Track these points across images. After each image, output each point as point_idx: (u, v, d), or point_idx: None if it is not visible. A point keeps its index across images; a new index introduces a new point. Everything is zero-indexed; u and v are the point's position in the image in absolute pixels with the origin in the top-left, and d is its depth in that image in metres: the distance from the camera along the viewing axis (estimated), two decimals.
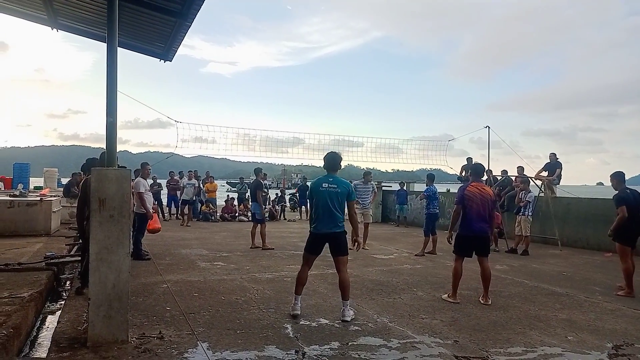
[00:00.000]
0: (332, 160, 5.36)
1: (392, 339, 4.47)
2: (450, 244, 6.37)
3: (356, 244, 5.37)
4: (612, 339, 4.63)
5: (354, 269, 7.96)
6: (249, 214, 17.80)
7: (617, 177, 6.96)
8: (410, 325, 4.92)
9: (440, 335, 4.61)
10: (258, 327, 4.73)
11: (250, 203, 18.89)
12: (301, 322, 4.92)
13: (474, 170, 6.42)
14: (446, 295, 6.19)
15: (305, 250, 5.36)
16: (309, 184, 11.16)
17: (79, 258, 7.03)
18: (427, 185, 10.55)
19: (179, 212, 17.00)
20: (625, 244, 6.68)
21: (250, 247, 10.13)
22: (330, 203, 5.13)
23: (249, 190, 19.78)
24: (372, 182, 11.44)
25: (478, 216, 5.97)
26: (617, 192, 6.86)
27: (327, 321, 4.99)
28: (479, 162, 6.73)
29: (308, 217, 5.73)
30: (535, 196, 11.25)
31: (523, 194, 10.80)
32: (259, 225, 10.29)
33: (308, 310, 5.39)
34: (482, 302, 5.95)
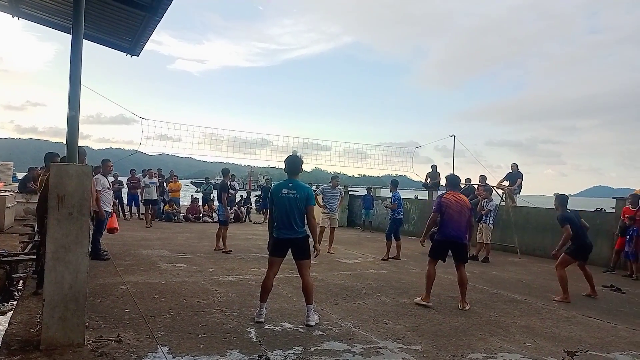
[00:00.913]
0: (293, 164, 5.29)
1: (355, 344, 4.46)
2: (423, 246, 6.56)
3: (315, 251, 5.26)
4: (568, 346, 4.77)
5: (319, 273, 7.95)
6: (214, 215, 17.58)
7: (560, 200, 7.42)
8: (374, 330, 4.93)
9: (404, 341, 4.64)
10: (220, 331, 4.64)
11: (215, 204, 18.66)
12: (265, 327, 4.86)
13: (449, 181, 6.65)
14: (419, 298, 6.25)
15: (270, 254, 5.28)
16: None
17: (34, 256, 6.75)
18: (391, 192, 10.65)
19: (140, 212, 16.60)
20: (574, 258, 7.12)
21: (214, 249, 9.96)
22: (289, 209, 5.07)
23: (214, 190, 19.50)
24: (339, 187, 11.47)
25: (455, 223, 6.17)
26: (561, 212, 7.28)
27: (291, 325, 4.94)
28: (454, 173, 6.93)
29: (267, 221, 5.64)
30: (496, 205, 11.56)
31: (485, 202, 11.05)
32: (222, 227, 10.13)
33: (272, 314, 5.33)
34: (460, 307, 6.04)
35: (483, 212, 10.94)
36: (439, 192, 11.76)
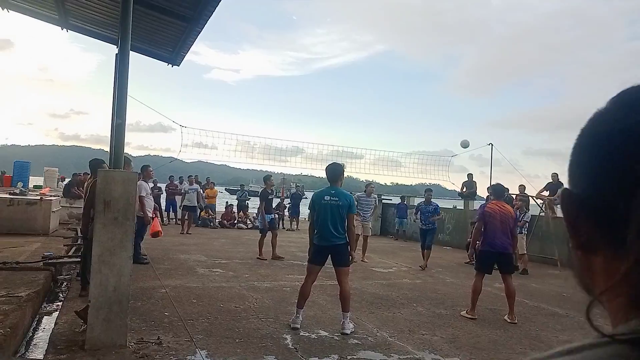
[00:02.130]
0: (334, 171, 5.35)
1: (392, 354, 4.43)
2: (472, 261, 6.43)
3: (351, 257, 5.30)
4: None
5: (354, 282, 7.90)
6: (248, 222, 17.78)
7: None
8: (410, 341, 4.88)
9: (441, 352, 4.57)
10: (257, 336, 4.69)
11: (249, 211, 18.86)
12: (300, 334, 4.88)
13: (494, 190, 6.59)
14: (464, 311, 6.14)
15: (309, 261, 5.35)
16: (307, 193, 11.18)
17: (78, 259, 6.99)
18: (428, 202, 10.61)
19: (177, 218, 16.93)
20: None
21: (257, 257, 9.87)
22: (331, 216, 5.12)
23: (249, 197, 19.74)
24: (374, 195, 11.43)
25: (499, 233, 6.04)
26: None
27: (326, 333, 4.95)
28: (499, 182, 6.84)
29: (307, 227, 5.65)
30: (532, 216, 11.29)
31: (520, 214, 10.80)
32: (267, 234, 10.07)
33: (307, 321, 5.34)
34: (508, 320, 5.91)
35: (519, 224, 10.70)
36: (481, 203, 11.58)
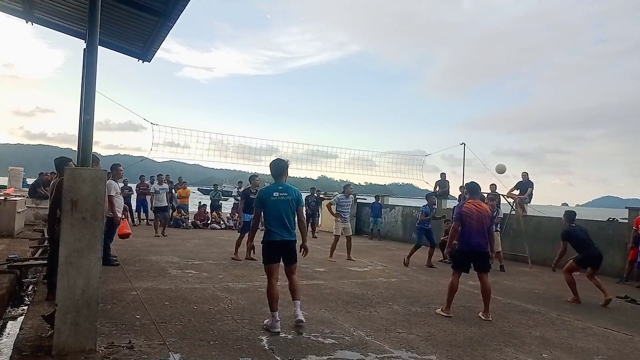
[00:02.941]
0: (278, 167, 5.32)
1: (369, 353, 4.40)
2: (448, 260, 6.48)
3: (303, 249, 5.35)
4: (585, 357, 4.68)
5: (329, 281, 7.89)
6: (221, 222, 17.57)
7: (568, 216, 7.93)
8: (387, 340, 4.86)
9: (417, 350, 4.57)
10: (232, 338, 4.59)
11: (222, 211, 18.64)
12: (277, 334, 4.80)
13: (469, 188, 6.61)
14: (440, 309, 6.17)
15: (266, 262, 5.19)
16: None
17: (44, 262, 6.74)
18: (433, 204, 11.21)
19: (149, 219, 16.59)
20: (580, 266, 7.61)
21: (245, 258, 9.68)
22: (283, 211, 5.12)
23: (222, 197, 19.50)
24: (351, 196, 11.51)
25: (476, 232, 6.09)
26: (565, 227, 7.90)
27: (302, 334, 4.88)
28: (473, 180, 6.92)
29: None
30: (505, 214, 11.52)
31: (496, 212, 11.00)
32: (242, 234, 9.93)
33: (283, 322, 5.26)
34: (482, 317, 5.96)
35: (493, 222, 10.92)
36: (454, 202, 11.75)
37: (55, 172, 6.65)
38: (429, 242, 10.68)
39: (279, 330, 4.89)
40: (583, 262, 7.55)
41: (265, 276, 5.21)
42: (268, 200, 5.16)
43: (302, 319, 5.08)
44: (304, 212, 6.08)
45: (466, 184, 7.08)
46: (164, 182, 15.53)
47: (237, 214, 15.98)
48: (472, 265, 6.22)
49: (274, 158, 5.62)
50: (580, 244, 7.59)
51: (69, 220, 3.93)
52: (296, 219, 5.27)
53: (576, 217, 8.08)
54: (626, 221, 10.67)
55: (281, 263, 5.25)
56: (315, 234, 16.24)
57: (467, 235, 6.11)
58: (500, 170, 13.54)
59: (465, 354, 4.54)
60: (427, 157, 18.45)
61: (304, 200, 5.37)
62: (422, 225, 10.87)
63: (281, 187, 5.21)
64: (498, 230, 10.93)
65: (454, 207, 6.65)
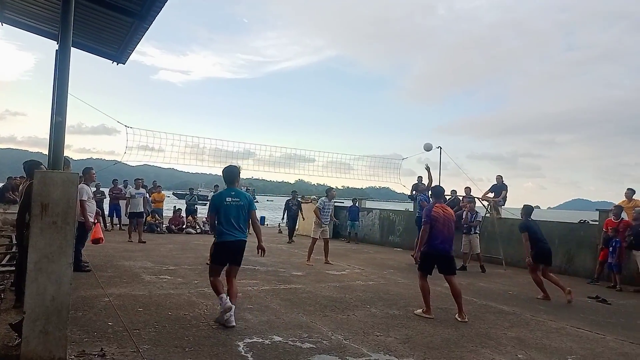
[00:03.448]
0: (231, 173, 5.64)
1: (347, 357, 4.38)
2: (417, 262, 6.52)
3: (261, 250, 5.62)
4: (559, 357, 4.76)
5: (307, 285, 7.85)
6: (197, 226, 17.34)
7: (525, 210, 8.48)
8: (365, 343, 4.85)
9: (395, 353, 4.57)
10: (208, 344, 4.51)
11: (198, 215, 18.38)
12: (254, 339, 4.74)
13: (434, 192, 6.71)
14: (420, 310, 6.24)
15: (214, 262, 5.53)
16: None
17: (12, 268, 6.52)
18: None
19: (122, 224, 16.25)
20: (536, 262, 7.96)
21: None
22: (235, 215, 5.40)
23: (198, 201, 19.23)
24: (334, 199, 11.54)
25: (443, 236, 6.21)
26: (522, 220, 8.35)
27: (280, 338, 4.83)
28: (438, 184, 6.95)
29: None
30: (482, 216, 11.68)
31: (471, 215, 11.14)
32: None
33: (261, 327, 5.22)
34: (458, 319, 6.01)
35: (472, 224, 11.06)
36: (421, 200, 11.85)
37: (25, 176, 6.44)
38: None
39: (229, 304, 5.12)
40: (536, 259, 7.91)
41: (243, 281, 5.15)
42: (221, 205, 5.42)
43: (234, 323, 5.13)
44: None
45: (431, 187, 7.20)
46: (141, 187, 14.88)
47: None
48: (436, 267, 6.34)
49: (231, 164, 5.99)
50: (535, 239, 7.97)
51: (39, 225, 3.80)
52: (251, 222, 5.61)
53: (532, 213, 8.51)
54: (597, 223, 10.95)
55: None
56: (293, 238, 16.11)
57: (434, 238, 6.19)
58: (427, 147, 14.29)
59: (443, 356, 4.57)
60: (403, 160, 18.60)
61: (254, 203, 5.74)
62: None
63: (233, 193, 5.50)
64: (477, 233, 11.09)
65: (424, 210, 6.73)
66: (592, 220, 11.64)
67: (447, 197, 13.68)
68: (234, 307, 5.18)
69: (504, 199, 13.48)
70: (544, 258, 7.96)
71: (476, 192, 13.58)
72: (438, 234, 6.19)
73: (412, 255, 6.65)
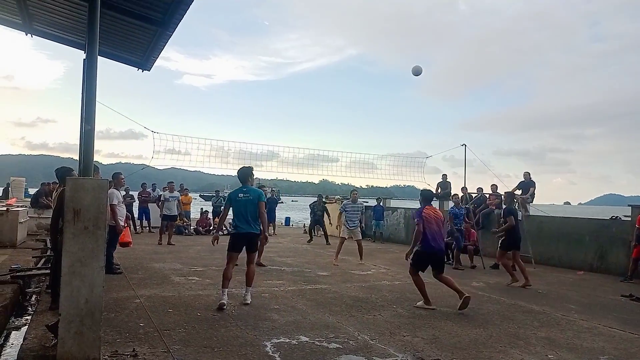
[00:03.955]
0: (243, 173, 6.56)
1: (374, 357, 4.39)
2: (408, 260, 6.78)
3: (265, 240, 6.60)
4: (591, 357, 4.66)
5: (333, 285, 7.88)
6: (224, 228, 17.55)
7: (509, 197, 9.60)
8: (391, 343, 4.85)
9: (423, 354, 4.55)
10: (236, 344, 4.59)
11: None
12: (281, 340, 4.80)
13: (424, 196, 7.03)
14: (420, 302, 6.54)
15: (229, 250, 6.33)
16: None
17: (47, 271, 6.75)
18: (457, 205, 11.29)
19: (151, 226, 16.57)
20: (508, 249, 8.73)
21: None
22: (245, 209, 6.26)
23: (224, 203, 19.46)
24: (360, 201, 11.54)
25: (437, 236, 6.58)
26: (507, 205, 9.30)
27: (307, 339, 4.87)
28: (427, 189, 7.54)
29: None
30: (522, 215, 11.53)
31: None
32: None
33: (287, 327, 5.27)
34: (465, 296, 6.31)
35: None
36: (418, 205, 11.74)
37: (57, 181, 6.66)
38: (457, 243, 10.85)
39: (224, 302, 5.96)
40: (509, 246, 8.71)
41: (269, 282, 5.23)
42: (234, 200, 6.37)
43: (249, 301, 6.20)
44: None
45: (421, 191, 7.40)
46: (175, 191, 14.82)
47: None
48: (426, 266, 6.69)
49: (244, 165, 6.95)
50: (516, 226, 8.78)
51: (72, 230, 3.93)
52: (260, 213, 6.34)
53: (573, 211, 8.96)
54: (629, 219, 10.64)
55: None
56: (327, 239, 15.40)
57: (429, 239, 6.51)
58: (417, 71, 12.39)
59: (471, 356, 4.53)
60: (428, 158, 18.43)
61: (265, 198, 6.54)
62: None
63: (245, 189, 6.41)
64: None
65: (416, 211, 7.02)
66: (624, 216, 11.32)
67: (473, 195, 13.53)
68: (225, 304, 5.98)
69: (532, 196, 13.23)
70: (517, 244, 8.83)
71: (503, 190, 13.38)
72: (433, 235, 6.53)
73: (406, 255, 6.86)
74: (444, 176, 16.69)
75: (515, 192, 13.20)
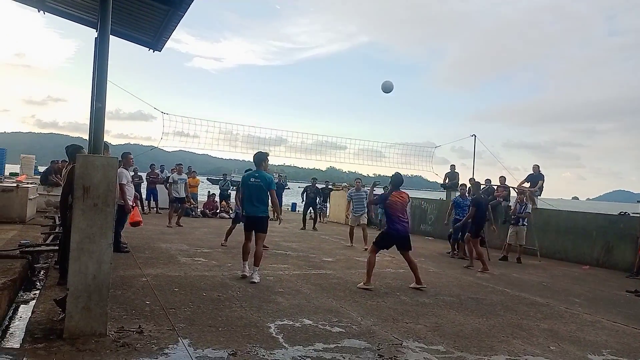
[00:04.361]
0: (258, 159, 6.99)
1: (376, 342, 4.42)
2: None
3: (279, 220, 7.76)
4: (594, 351, 4.66)
5: (337, 271, 7.92)
6: (230, 211, 17.64)
7: (476, 186, 10.24)
8: (394, 329, 4.88)
9: (425, 341, 4.58)
10: (240, 325, 4.63)
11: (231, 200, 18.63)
12: (285, 322, 4.84)
13: (393, 181, 7.26)
14: (361, 283, 6.78)
15: (244, 229, 7.00)
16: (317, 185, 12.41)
17: (56, 247, 6.83)
18: (463, 196, 11.04)
19: (158, 207, 16.68)
20: (475, 236, 9.26)
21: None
22: (254, 193, 6.76)
23: (232, 187, 19.53)
24: (363, 189, 11.57)
25: (402, 219, 6.98)
26: (474, 195, 9.87)
27: (310, 322, 4.91)
28: (398, 172, 7.59)
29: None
30: (532, 208, 11.47)
31: (520, 206, 10.97)
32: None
33: (291, 310, 5.31)
34: (417, 286, 6.83)
35: (521, 215, 10.88)
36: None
37: (67, 159, 6.71)
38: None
39: (245, 273, 6.74)
40: (477, 233, 9.28)
41: (274, 265, 5.27)
42: (247, 183, 6.86)
43: (256, 281, 6.51)
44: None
45: (392, 176, 7.50)
46: (183, 173, 14.86)
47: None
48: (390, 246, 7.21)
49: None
50: (482, 214, 9.43)
51: (81, 207, 3.97)
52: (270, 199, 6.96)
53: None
54: (638, 215, 10.59)
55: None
56: (315, 225, 15.22)
57: (395, 222, 6.93)
58: (387, 88, 11.83)
59: (473, 345, 4.55)
60: (436, 148, 18.37)
61: (275, 185, 7.05)
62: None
63: (257, 175, 6.84)
64: (525, 225, 10.94)
65: (380, 195, 7.75)
66: (633, 213, 11.25)
67: (481, 186, 13.47)
68: (247, 275, 6.70)
69: (541, 189, 13.15)
70: (481, 231, 9.56)
71: (511, 182, 13.33)
72: (398, 218, 6.92)
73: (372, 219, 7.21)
74: (452, 167, 16.63)
75: (523, 185, 13.15)
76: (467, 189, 11.82)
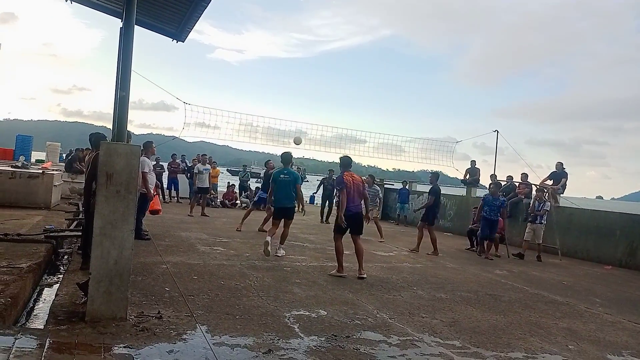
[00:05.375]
0: (286, 158, 8.33)
1: (392, 335, 4.42)
2: (344, 225, 6.92)
3: (303, 211, 9.33)
4: (614, 351, 4.59)
5: (354, 264, 7.89)
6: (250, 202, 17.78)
7: (435, 176, 10.70)
8: (410, 323, 4.87)
9: (441, 335, 4.57)
10: (257, 314, 4.69)
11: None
12: (301, 312, 4.88)
13: (342, 162, 7.38)
14: (334, 271, 6.90)
15: (274, 218, 8.12)
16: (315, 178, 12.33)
17: (79, 233, 6.99)
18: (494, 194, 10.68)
19: (179, 196, 16.90)
20: (430, 224, 10.06)
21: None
22: (284, 188, 7.97)
23: (251, 178, 19.67)
24: (375, 186, 11.51)
25: (355, 199, 7.03)
26: (432, 185, 10.42)
27: (326, 313, 4.94)
28: (346, 155, 7.77)
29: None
30: (551, 206, 11.24)
31: (542, 204, 10.79)
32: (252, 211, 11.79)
33: (308, 300, 5.35)
34: (358, 275, 6.81)
35: (539, 213, 10.72)
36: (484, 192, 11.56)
37: (90, 148, 6.84)
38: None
39: (268, 241, 7.49)
40: (432, 220, 10.06)
41: (292, 257, 5.31)
42: (277, 179, 8.03)
43: (280, 254, 7.80)
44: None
45: (340, 157, 7.59)
46: (207, 163, 15.07)
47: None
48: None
49: (286, 150, 8.71)
50: (438, 202, 10.33)
51: (104, 193, 4.05)
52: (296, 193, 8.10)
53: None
54: None
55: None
56: (329, 217, 14.76)
57: (349, 201, 6.94)
58: (297, 141, 14.24)
59: (489, 341, 4.52)
60: (457, 144, 18.14)
61: (301, 180, 8.24)
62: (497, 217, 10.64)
63: (286, 171, 8.11)
64: (543, 223, 10.77)
65: (335, 179, 8.45)
66: None
67: (502, 183, 13.29)
68: (269, 242, 7.52)
69: (563, 186, 12.90)
70: (435, 219, 10.27)
71: (534, 179, 13.12)
72: (353, 197, 6.99)
73: (338, 219, 7.05)
74: (473, 162, 16.43)
75: (546, 183, 12.93)
76: (489, 185, 11.65)
